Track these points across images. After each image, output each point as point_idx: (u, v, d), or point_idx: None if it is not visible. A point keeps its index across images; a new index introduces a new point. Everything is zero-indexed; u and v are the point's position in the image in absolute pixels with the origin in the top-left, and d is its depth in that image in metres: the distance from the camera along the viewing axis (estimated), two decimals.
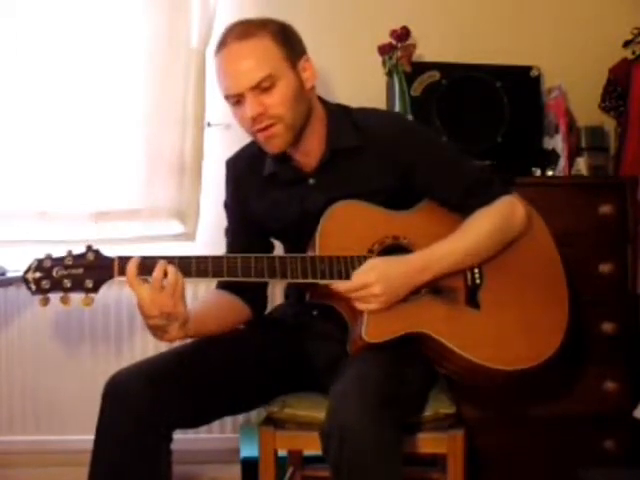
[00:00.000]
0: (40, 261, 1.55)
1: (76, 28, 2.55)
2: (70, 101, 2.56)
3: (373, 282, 1.61)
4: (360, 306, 1.63)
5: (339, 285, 1.63)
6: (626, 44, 2.62)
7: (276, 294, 2.25)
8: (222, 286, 1.84)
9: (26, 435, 2.64)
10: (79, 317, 2.64)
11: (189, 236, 2.59)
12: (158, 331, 1.60)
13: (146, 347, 2.61)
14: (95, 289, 1.55)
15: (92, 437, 1.60)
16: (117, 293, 2.63)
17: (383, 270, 1.63)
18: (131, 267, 1.55)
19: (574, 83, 2.66)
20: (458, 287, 1.73)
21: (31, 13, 2.53)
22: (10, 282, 2.48)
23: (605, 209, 2.40)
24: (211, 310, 1.79)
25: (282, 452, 1.90)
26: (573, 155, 2.57)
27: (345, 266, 1.65)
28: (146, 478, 1.60)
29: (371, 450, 1.42)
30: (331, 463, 1.46)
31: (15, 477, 2.61)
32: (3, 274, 2.34)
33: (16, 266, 2.34)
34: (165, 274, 1.55)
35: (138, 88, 2.58)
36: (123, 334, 2.65)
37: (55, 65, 2.55)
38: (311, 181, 1.80)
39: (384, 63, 2.54)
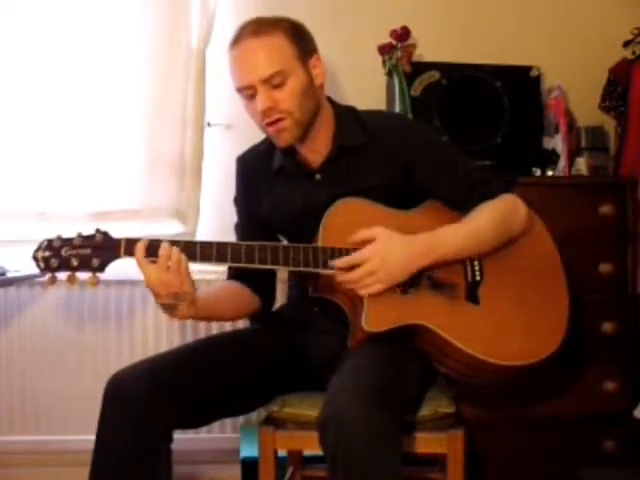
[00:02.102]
0: (50, 241, 1.61)
1: (76, 28, 2.55)
2: (70, 101, 2.56)
3: (372, 256, 1.62)
4: (360, 291, 1.64)
5: (338, 261, 1.64)
6: (626, 44, 2.62)
7: (278, 295, 2.25)
8: (232, 276, 1.88)
9: (26, 435, 2.64)
10: (79, 317, 2.64)
11: (189, 236, 2.58)
12: (168, 309, 1.67)
13: (146, 347, 2.61)
14: (101, 268, 1.61)
15: (92, 437, 1.60)
16: (118, 294, 2.63)
17: (382, 246, 1.64)
18: (139, 247, 1.60)
19: (574, 83, 2.66)
20: (458, 283, 1.73)
21: (31, 13, 2.53)
22: (10, 282, 2.48)
23: (605, 209, 2.40)
24: (222, 294, 1.84)
25: (282, 452, 1.90)
26: (573, 155, 2.57)
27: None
28: (146, 478, 1.60)
29: (368, 439, 1.42)
30: (327, 453, 1.46)
31: (15, 477, 2.61)
32: (3, 274, 2.34)
33: (16, 266, 2.35)
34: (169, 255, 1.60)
35: (138, 88, 2.58)
36: (123, 335, 2.65)
37: (55, 65, 2.55)
38: (317, 177, 1.82)
39: (384, 63, 2.54)
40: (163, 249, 1.60)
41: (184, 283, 1.60)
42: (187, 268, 1.62)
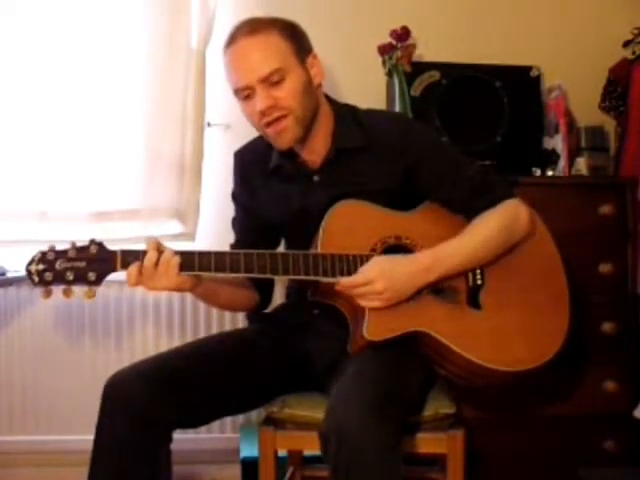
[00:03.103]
0: (44, 253, 1.57)
1: (77, 29, 2.54)
2: (70, 101, 2.55)
3: (377, 278, 1.61)
4: (362, 303, 1.63)
5: (343, 281, 1.63)
6: (626, 44, 2.62)
7: (276, 294, 2.25)
8: None
9: (26, 435, 2.64)
10: (79, 317, 2.64)
11: (189, 236, 2.59)
12: None
13: (146, 347, 2.61)
14: (97, 282, 1.58)
15: (92, 437, 1.60)
16: (117, 293, 2.63)
17: (387, 267, 1.63)
18: (131, 274, 1.58)
19: (574, 83, 2.66)
20: (459, 288, 1.73)
21: (31, 13, 2.53)
22: (10, 282, 2.48)
23: (605, 209, 2.40)
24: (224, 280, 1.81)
25: (282, 452, 1.89)
26: (573, 155, 2.57)
27: (348, 264, 1.66)
28: (146, 478, 1.59)
29: (370, 450, 1.42)
30: (330, 463, 1.46)
31: (15, 477, 2.61)
32: (3, 274, 2.34)
33: (16, 266, 2.35)
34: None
35: (138, 88, 2.58)
36: (123, 334, 2.65)
37: (55, 66, 2.54)
38: (316, 178, 1.81)
39: (384, 63, 2.54)
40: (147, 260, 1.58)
41: (169, 287, 1.61)
42: (175, 269, 1.59)
